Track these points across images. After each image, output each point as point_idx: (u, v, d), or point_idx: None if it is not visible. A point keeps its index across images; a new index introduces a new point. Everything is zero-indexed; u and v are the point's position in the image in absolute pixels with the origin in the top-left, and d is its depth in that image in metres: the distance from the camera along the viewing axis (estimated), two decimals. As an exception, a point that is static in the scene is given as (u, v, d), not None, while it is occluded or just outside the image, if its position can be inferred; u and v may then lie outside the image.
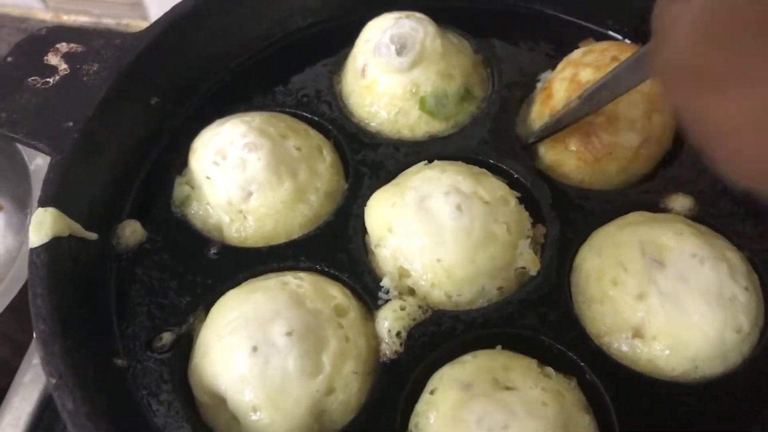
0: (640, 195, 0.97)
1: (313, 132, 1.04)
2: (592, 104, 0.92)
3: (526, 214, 0.93)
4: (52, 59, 0.98)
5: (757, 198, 0.89)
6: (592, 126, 0.96)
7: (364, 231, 0.95)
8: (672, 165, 1.00)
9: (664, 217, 0.93)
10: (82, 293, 0.87)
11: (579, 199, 0.96)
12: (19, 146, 1.29)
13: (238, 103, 1.08)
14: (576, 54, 1.04)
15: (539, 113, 1.03)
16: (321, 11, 1.17)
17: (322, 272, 0.92)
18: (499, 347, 0.85)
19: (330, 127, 1.05)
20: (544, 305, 0.88)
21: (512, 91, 1.07)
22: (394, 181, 0.97)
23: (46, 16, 1.79)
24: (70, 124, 0.92)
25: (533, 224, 0.94)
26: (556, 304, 0.88)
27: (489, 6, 1.17)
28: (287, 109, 1.07)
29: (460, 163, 0.97)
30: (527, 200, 0.95)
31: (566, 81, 1.00)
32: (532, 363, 0.84)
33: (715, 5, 0.51)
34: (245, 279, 0.91)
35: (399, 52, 1.01)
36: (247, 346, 0.81)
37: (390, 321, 0.87)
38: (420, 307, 0.88)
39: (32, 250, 0.83)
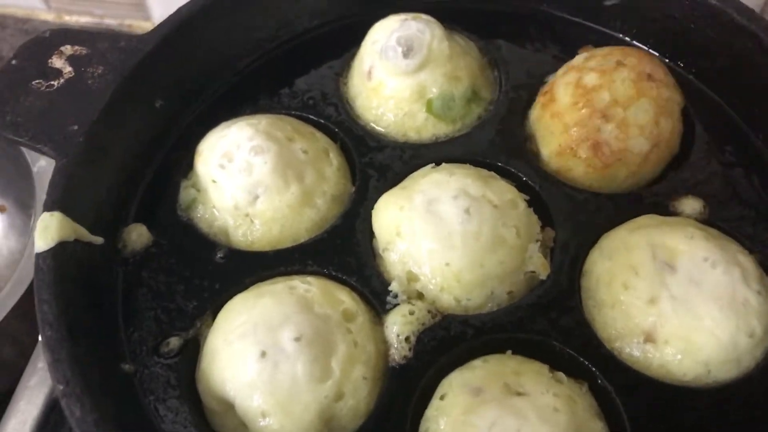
0: (650, 198, 0.97)
1: (319, 135, 1.03)
2: None
3: (535, 217, 0.93)
4: (57, 62, 0.98)
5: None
6: (601, 133, 0.96)
7: (372, 235, 0.95)
8: (681, 168, 0.99)
9: (675, 221, 0.92)
10: (88, 298, 0.86)
11: (589, 202, 0.96)
12: (23, 148, 1.28)
13: (244, 105, 1.08)
14: (578, 60, 1.03)
15: (539, 117, 1.02)
16: (327, 13, 1.16)
17: (329, 276, 0.91)
18: (509, 352, 0.85)
19: (336, 130, 1.04)
20: (555, 309, 0.88)
21: (520, 92, 1.07)
22: (401, 184, 0.96)
23: (49, 16, 1.78)
24: (75, 127, 0.91)
25: (542, 228, 0.93)
26: (567, 308, 0.88)
27: (496, 7, 1.17)
28: (293, 112, 1.07)
29: (468, 165, 0.97)
30: (536, 203, 0.94)
31: (571, 85, 0.99)
32: (543, 368, 0.83)
33: None
34: (252, 283, 0.90)
35: (406, 54, 1.00)
36: (256, 352, 0.80)
37: (399, 326, 0.86)
38: (429, 311, 0.88)
39: (38, 254, 0.82)
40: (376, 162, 1.01)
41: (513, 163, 1.00)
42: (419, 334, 0.86)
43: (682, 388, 0.83)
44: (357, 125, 1.05)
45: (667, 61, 1.09)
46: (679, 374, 0.83)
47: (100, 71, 0.97)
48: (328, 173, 0.99)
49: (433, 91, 1.03)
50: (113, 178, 0.96)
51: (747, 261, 0.87)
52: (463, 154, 1.01)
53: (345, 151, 1.04)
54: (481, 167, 0.97)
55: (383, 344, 0.86)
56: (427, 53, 1.02)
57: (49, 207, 0.86)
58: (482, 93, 1.07)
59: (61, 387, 0.75)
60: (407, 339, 0.86)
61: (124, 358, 0.87)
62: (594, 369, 0.83)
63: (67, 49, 0.99)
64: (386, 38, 1.03)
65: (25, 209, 1.39)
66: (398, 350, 0.85)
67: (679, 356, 0.83)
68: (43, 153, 0.92)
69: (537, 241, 0.91)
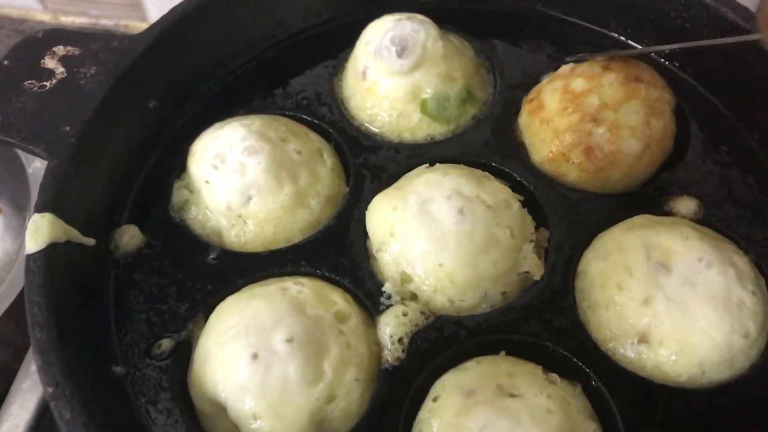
0: (645, 198, 0.96)
1: (313, 135, 1.03)
2: None
3: (529, 217, 0.92)
4: (49, 62, 0.97)
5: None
6: (593, 137, 0.95)
7: (366, 235, 0.94)
8: (677, 168, 0.99)
9: (670, 221, 0.92)
10: (79, 300, 0.86)
11: (583, 202, 0.95)
12: (17, 149, 1.28)
13: (238, 105, 1.07)
14: (564, 69, 1.03)
15: (527, 124, 1.02)
16: (321, 13, 1.16)
17: (322, 278, 0.91)
18: (502, 353, 0.84)
19: (330, 130, 1.04)
20: (549, 311, 0.87)
21: (514, 93, 1.06)
22: (395, 185, 0.95)
23: (45, 17, 1.78)
24: (67, 128, 0.91)
25: (536, 228, 0.93)
26: (561, 309, 0.87)
27: (490, 7, 1.16)
28: (287, 112, 1.06)
29: (462, 166, 0.96)
30: (530, 204, 0.94)
31: (558, 91, 0.99)
32: (536, 369, 0.83)
33: None
34: (245, 284, 0.90)
35: (400, 54, 1.00)
36: (248, 354, 0.79)
37: (392, 327, 0.86)
38: (422, 312, 0.87)
39: (29, 256, 0.82)
40: (371, 162, 1.01)
41: (507, 163, 0.99)
42: (412, 336, 0.86)
43: (677, 389, 0.82)
44: (351, 126, 1.05)
45: (662, 60, 1.08)
46: (673, 375, 0.83)
47: (92, 72, 0.97)
48: (322, 174, 0.99)
49: (428, 92, 1.03)
50: (105, 179, 0.96)
51: (742, 261, 0.87)
52: (458, 154, 1.00)
53: (339, 151, 1.03)
54: (476, 167, 0.97)
55: (376, 346, 0.86)
56: (421, 53, 1.01)
57: (40, 208, 0.85)
58: (477, 93, 1.07)
59: (50, 390, 0.74)
60: (400, 340, 0.85)
61: (115, 361, 0.86)
62: (588, 370, 0.83)
63: (60, 50, 0.98)
64: (380, 38, 1.02)
65: (19, 211, 1.39)
66: (391, 352, 0.85)
67: (673, 357, 0.83)
68: (35, 154, 0.91)
69: (531, 241, 0.90)
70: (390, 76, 1.02)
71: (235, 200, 0.94)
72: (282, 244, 0.94)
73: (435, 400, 0.81)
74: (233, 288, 0.89)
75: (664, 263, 0.86)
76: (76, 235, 0.87)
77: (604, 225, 0.93)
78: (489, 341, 0.85)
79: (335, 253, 0.93)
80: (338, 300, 0.87)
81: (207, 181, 0.95)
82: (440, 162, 0.97)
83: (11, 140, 0.92)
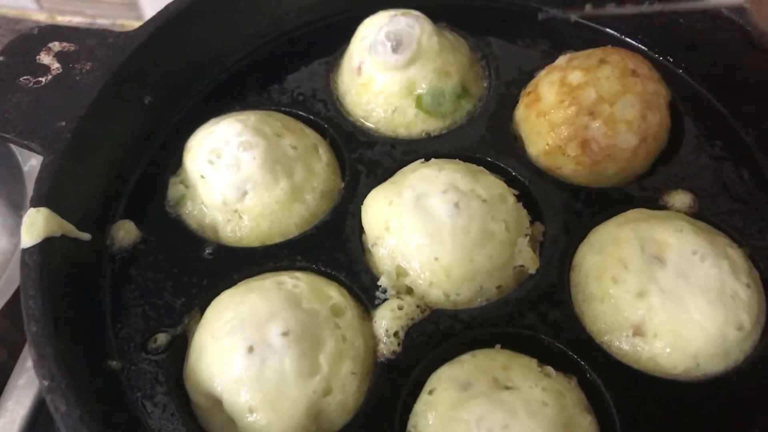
0: (639, 192, 0.97)
1: (308, 131, 1.03)
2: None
3: (525, 212, 0.93)
4: (45, 58, 0.97)
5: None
6: (589, 130, 0.96)
7: (361, 230, 0.94)
8: (671, 162, 0.99)
9: (664, 215, 0.92)
10: (75, 294, 0.86)
11: (578, 196, 0.96)
12: (13, 147, 1.28)
13: (234, 102, 1.07)
14: (560, 61, 1.03)
15: (524, 117, 1.02)
16: (317, 9, 1.16)
17: (318, 272, 0.91)
18: (498, 347, 0.85)
19: (326, 126, 1.04)
20: (544, 304, 0.87)
21: (509, 88, 1.07)
22: (390, 180, 0.96)
23: (41, 17, 1.78)
24: (63, 123, 0.91)
25: (532, 222, 0.93)
26: (556, 302, 0.88)
27: (486, 4, 1.17)
28: (283, 108, 1.06)
29: (457, 161, 0.96)
30: (526, 198, 0.94)
31: (556, 84, 0.99)
32: (531, 362, 0.83)
33: None
34: (241, 279, 0.90)
35: (395, 49, 1.00)
36: (243, 347, 0.80)
37: (387, 320, 0.86)
38: (418, 306, 0.87)
39: (24, 250, 0.82)
40: (366, 158, 1.01)
41: (503, 158, 0.99)
42: (408, 329, 0.86)
43: (672, 381, 0.83)
44: (347, 121, 1.05)
45: (656, 56, 1.09)
46: (668, 367, 0.83)
47: (88, 67, 0.97)
48: (318, 169, 0.99)
49: (423, 87, 1.03)
50: (101, 175, 0.96)
51: (736, 254, 0.87)
52: (453, 149, 1.01)
53: (334, 147, 1.04)
54: (471, 162, 0.97)
55: (372, 339, 0.86)
56: (416, 48, 1.01)
57: (35, 203, 0.85)
58: (472, 89, 1.07)
59: (46, 383, 0.74)
60: (396, 334, 0.85)
61: (111, 355, 0.86)
62: (583, 363, 0.83)
63: (55, 46, 0.98)
64: (375, 34, 1.03)
65: (16, 210, 1.38)
66: (387, 345, 0.85)
67: (668, 349, 0.83)
68: (31, 149, 0.91)
69: (526, 235, 0.90)
70: (385, 71, 1.02)
71: (230, 195, 0.94)
72: (277, 239, 0.94)
73: (431, 393, 0.81)
74: (229, 283, 0.89)
75: (659, 256, 0.86)
76: (71, 230, 0.87)
77: (599, 219, 0.94)
78: (484, 334, 0.86)
79: (331, 247, 0.93)
80: (334, 294, 0.87)
81: (202, 177, 0.95)
82: (436, 157, 0.97)
83: (6, 135, 0.92)
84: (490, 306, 0.88)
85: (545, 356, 0.84)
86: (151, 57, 1.00)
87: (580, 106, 0.96)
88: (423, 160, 0.97)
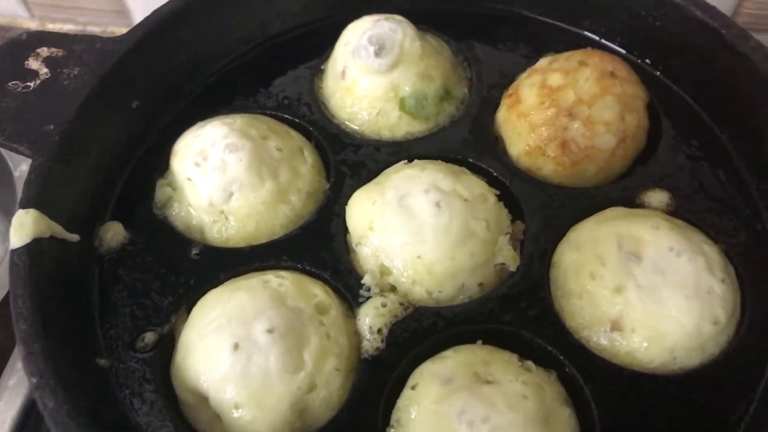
0: (617, 191, 0.98)
1: (294, 133, 1.05)
2: None
3: (505, 211, 0.94)
4: (33, 64, 0.99)
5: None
6: (568, 131, 0.98)
7: (346, 230, 0.96)
8: (649, 162, 1.01)
9: (642, 212, 0.94)
10: (64, 294, 0.87)
11: (557, 196, 0.97)
12: (4, 153, 1.29)
13: (220, 105, 1.09)
14: (541, 63, 1.05)
15: (506, 118, 1.04)
16: (302, 15, 1.18)
17: (303, 271, 0.93)
18: (479, 342, 0.86)
19: (311, 129, 1.06)
20: (524, 300, 0.89)
21: (491, 91, 1.09)
22: (374, 180, 0.98)
23: (32, 24, 1.79)
24: (51, 127, 0.93)
25: (512, 221, 0.95)
26: (536, 299, 0.89)
27: (468, 9, 1.19)
28: (269, 111, 1.08)
29: (439, 161, 0.98)
30: (507, 198, 0.96)
31: (536, 86, 1.01)
32: (512, 357, 0.84)
33: None
34: (227, 279, 0.91)
35: (377, 53, 1.02)
36: (229, 344, 0.81)
37: (371, 318, 0.88)
38: (401, 304, 0.89)
39: (13, 251, 0.83)
40: (350, 159, 1.03)
41: (484, 159, 1.01)
42: (391, 326, 0.87)
43: (649, 374, 0.84)
44: (331, 124, 1.07)
45: (635, 58, 1.11)
46: (645, 361, 0.85)
47: (76, 72, 0.98)
48: (303, 171, 1.00)
49: (406, 90, 1.05)
50: (90, 177, 0.97)
51: (712, 250, 0.89)
52: (436, 150, 1.02)
53: (320, 149, 1.05)
54: (454, 163, 0.99)
55: (356, 336, 0.88)
56: (399, 52, 1.03)
57: (24, 205, 0.87)
58: (454, 92, 1.09)
59: (34, 380, 0.75)
60: (379, 331, 0.87)
61: (99, 353, 0.88)
62: (562, 357, 0.85)
63: (44, 51, 1.00)
64: (358, 38, 1.05)
65: (6, 215, 1.39)
66: (370, 342, 0.87)
67: (645, 344, 0.85)
68: (20, 152, 0.93)
69: (507, 234, 0.92)
70: (368, 75, 1.04)
71: (216, 197, 0.95)
72: (263, 240, 0.96)
73: (414, 388, 0.82)
74: (215, 282, 0.91)
75: (636, 253, 0.88)
76: (59, 231, 0.88)
77: (578, 217, 0.95)
78: (466, 331, 0.87)
79: (316, 247, 0.94)
80: (318, 292, 0.89)
81: (189, 179, 0.97)
82: (419, 158, 0.99)
83: (-5, 139, 0.94)
84: (471, 303, 0.89)
85: (526, 351, 0.85)
86: (139, 62, 1.02)
87: (559, 108, 0.98)
88: (406, 161, 0.99)
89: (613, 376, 0.84)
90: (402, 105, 1.05)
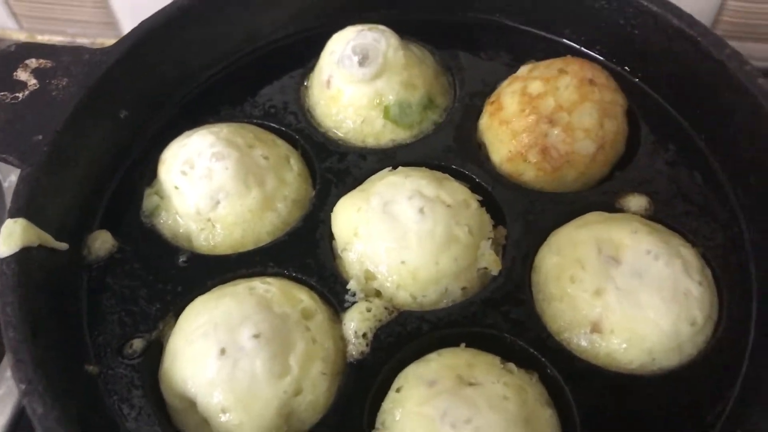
0: (597, 196, 1.00)
1: (280, 142, 1.06)
2: None
3: (488, 216, 0.96)
4: (22, 75, 1.00)
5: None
6: (549, 138, 1.00)
7: (331, 236, 0.97)
8: (628, 167, 1.03)
9: (621, 217, 0.96)
10: (53, 302, 0.88)
11: (538, 201, 0.99)
12: (-7, 164, 1.30)
13: (207, 115, 1.10)
14: (522, 71, 1.07)
15: (488, 125, 1.06)
16: (288, 25, 1.19)
17: (290, 277, 0.94)
18: (463, 345, 0.88)
19: (297, 137, 1.08)
20: (507, 304, 0.91)
21: (474, 99, 1.10)
22: (359, 187, 0.99)
23: (21, 36, 1.80)
24: (40, 137, 0.93)
25: (495, 226, 0.97)
26: (518, 302, 0.91)
27: (451, 18, 1.20)
28: (255, 120, 1.10)
29: (423, 168, 1.00)
30: (489, 203, 0.98)
31: (517, 94, 1.03)
32: (495, 360, 0.86)
33: None
34: (214, 285, 0.93)
35: (361, 63, 1.04)
36: (216, 350, 0.82)
37: (356, 322, 0.89)
38: (386, 308, 0.90)
39: (2, 260, 0.84)
40: (336, 167, 1.04)
41: (467, 165, 1.03)
42: (376, 331, 0.89)
43: (628, 375, 0.86)
44: (317, 132, 1.08)
45: (614, 66, 1.13)
46: (625, 362, 0.87)
47: (64, 83, 1.00)
48: (289, 178, 1.02)
49: (390, 99, 1.06)
50: (78, 186, 0.98)
51: (689, 253, 0.91)
52: (420, 158, 1.04)
53: (306, 157, 1.07)
54: (437, 170, 1.01)
55: (341, 341, 0.89)
56: (382, 62, 1.05)
57: (13, 214, 0.88)
58: (438, 100, 1.11)
59: (23, 386, 0.76)
60: (364, 335, 0.88)
61: (88, 360, 0.89)
62: (543, 359, 0.86)
63: (32, 62, 1.01)
64: (343, 48, 1.06)
65: (-4, 225, 1.40)
66: (356, 346, 0.88)
67: (624, 345, 0.86)
68: (8, 162, 0.94)
69: (489, 238, 0.94)
70: (353, 84, 1.06)
71: (203, 205, 0.97)
72: (250, 247, 0.97)
73: (398, 390, 0.84)
74: (203, 289, 0.92)
75: (615, 256, 0.90)
76: (48, 240, 0.90)
77: (559, 222, 0.97)
78: (450, 334, 0.89)
79: (302, 253, 0.96)
80: (304, 298, 0.90)
81: (176, 187, 0.98)
82: (403, 165, 1.01)
83: (-16, 150, 0.95)
84: (455, 307, 0.91)
85: (508, 354, 0.87)
86: (126, 72, 1.03)
87: (539, 115, 1.00)
88: (391, 168, 1.00)
89: (593, 377, 0.85)
90: (386, 113, 1.06)
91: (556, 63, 1.05)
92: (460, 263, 0.91)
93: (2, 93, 0.98)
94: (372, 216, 0.92)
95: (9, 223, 0.87)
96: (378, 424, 0.83)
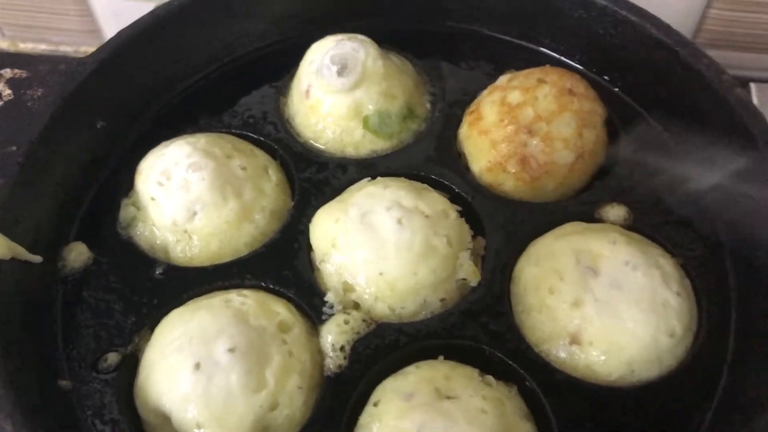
0: (576, 206, 1.00)
1: (258, 152, 1.06)
2: None
3: (467, 226, 0.96)
4: (-4, 85, 1.00)
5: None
6: (528, 148, 0.99)
7: (310, 248, 0.97)
8: (607, 177, 1.03)
9: (599, 227, 0.96)
10: (25, 316, 0.87)
11: (518, 211, 0.99)
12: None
13: (186, 125, 1.10)
14: (501, 80, 1.07)
15: (467, 135, 1.05)
16: (268, 35, 1.19)
17: (267, 289, 0.93)
18: (441, 358, 0.87)
19: (276, 147, 1.07)
20: (485, 315, 0.90)
21: (453, 108, 1.10)
22: (338, 198, 0.98)
23: (3, 44, 1.78)
24: (14, 148, 0.93)
25: (474, 237, 0.96)
26: (497, 314, 0.90)
27: (431, 28, 1.20)
28: (234, 130, 1.09)
29: (402, 179, 0.99)
30: (468, 214, 0.97)
31: (496, 104, 1.03)
32: (473, 372, 0.85)
33: None
34: (190, 298, 0.92)
35: (340, 72, 1.03)
36: (190, 364, 0.81)
37: (333, 335, 0.88)
38: (364, 320, 0.90)
39: (-28, 273, 0.83)
40: (315, 178, 1.04)
41: (447, 175, 1.02)
42: (354, 343, 0.88)
43: (608, 387, 0.85)
44: (296, 142, 1.08)
45: (593, 75, 1.13)
46: (604, 374, 0.86)
47: (39, 93, 0.99)
48: (267, 189, 1.01)
49: (370, 109, 1.06)
50: (53, 198, 0.98)
51: (668, 264, 0.91)
52: (399, 168, 1.03)
53: (284, 167, 1.06)
54: (417, 180, 1.00)
55: (319, 354, 0.88)
56: (361, 72, 1.05)
57: (-16, 226, 0.87)
58: (417, 110, 1.10)
59: (-8, 403, 0.75)
60: (342, 348, 0.88)
61: (62, 375, 0.88)
62: (522, 372, 0.86)
63: (7, 73, 1.01)
64: (321, 58, 1.06)
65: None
66: (333, 359, 0.87)
67: (603, 357, 0.86)
68: (-19, 174, 0.93)
69: (468, 249, 0.93)
70: (332, 94, 1.05)
71: (180, 216, 0.96)
72: (227, 258, 0.96)
73: (376, 404, 0.83)
74: (179, 302, 0.91)
75: (593, 267, 0.90)
76: (21, 252, 0.88)
77: (538, 232, 0.97)
78: (428, 346, 0.88)
79: (279, 265, 0.95)
80: (281, 310, 0.89)
81: (153, 198, 0.97)
82: (382, 176, 1.00)
83: (-42, 160, 0.94)
84: (433, 318, 0.90)
85: (487, 366, 0.86)
86: (103, 82, 1.03)
87: (518, 125, 1.00)
88: (370, 178, 1.00)
89: (572, 389, 0.85)
90: (366, 123, 1.06)
91: (535, 72, 1.05)
92: (439, 274, 0.90)
93: (-24, 104, 0.98)
94: (350, 227, 0.92)
95: (-20, 235, 0.86)
96: (355, 438, 0.82)
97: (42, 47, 1.77)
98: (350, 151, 1.07)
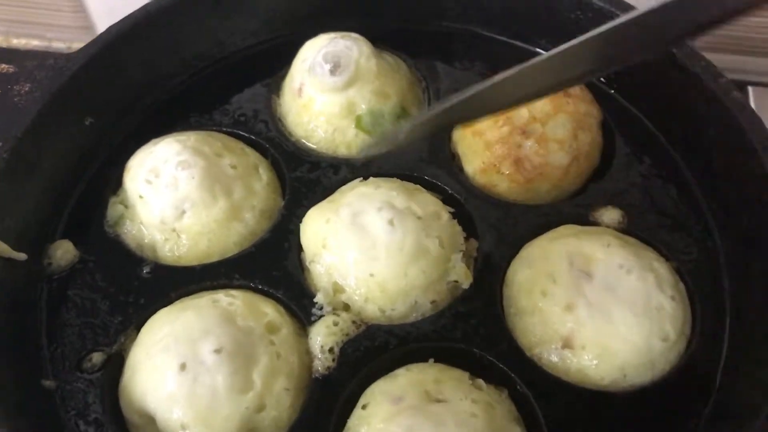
0: (570, 209, 0.99)
1: (249, 150, 1.04)
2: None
3: (459, 228, 0.94)
4: (-17, 80, 0.98)
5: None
6: (522, 149, 0.98)
7: (300, 248, 0.95)
8: (602, 179, 1.02)
9: (593, 230, 0.95)
10: (8, 314, 0.86)
11: (511, 213, 0.98)
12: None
13: (176, 122, 1.08)
14: None
15: (461, 136, 1.04)
16: (260, 32, 1.18)
17: (255, 290, 0.92)
18: (431, 360, 0.86)
19: (267, 146, 1.06)
20: (477, 318, 0.89)
21: (447, 109, 1.09)
22: (329, 198, 0.97)
23: (-4, 40, 1.77)
24: (0, 144, 0.91)
25: (466, 238, 0.95)
26: (489, 316, 0.89)
27: (425, 27, 1.19)
28: (224, 129, 1.08)
29: (394, 179, 0.98)
30: (461, 215, 0.96)
31: None
32: (463, 375, 0.84)
33: None
34: (177, 298, 0.90)
35: (333, 71, 1.02)
36: (176, 364, 0.80)
37: (323, 337, 0.87)
38: (354, 322, 0.89)
39: (-46, 270, 0.82)
40: (306, 177, 1.02)
41: (440, 176, 1.01)
42: (343, 345, 0.87)
43: (600, 392, 0.84)
44: (288, 141, 1.06)
45: (589, 77, 1.12)
46: (596, 379, 0.85)
47: (26, 89, 0.98)
48: (257, 188, 1.00)
49: (362, 108, 1.05)
50: (40, 195, 0.96)
51: (662, 267, 0.90)
52: (392, 168, 1.02)
53: (275, 166, 1.05)
54: (409, 181, 0.99)
55: (307, 355, 0.87)
56: (354, 70, 1.03)
57: (-32, 223, 0.86)
58: (411, 109, 1.09)
59: (-29, 403, 0.74)
60: (331, 350, 0.87)
61: (46, 374, 0.86)
62: (513, 375, 0.84)
63: (-6, 67, 0.99)
64: (314, 56, 1.05)
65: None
66: (322, 361, 0.86)
67: (595, 361, 0.85)
68: (-33, 170, 0.92)
69: (460, 251, 0.92)
70: (324, 92, 1.04)
71: (168, 214, 0.94)
72: (216, 258, 0.95)
73: (364, 407, 0.82)
74: (166, 301, 0.90)
75: (587, 270, 0.88)
76: (5, 249, 0.87)
77: (531, 235, 0.96)
78: (419, 349, 0.87)
79: (269, 265, 0.94)
80: (269, 311, 0.88)
81: (141, 196, 0.96)
82: (375, 176, 0.99)
83: (-57, 157, 0.92)
84: (424, 321, 0.89)
85: (477, 369, 0.85)
86: (92, 78, 1.01)
87: (513, 126, 0.99)
88: (362, 178, 0.98)
89: (564, 393, 0.84)
90: (358, 122, 1.05)
91: (529, 73, 1.04)
92: (430, 276, 0.89)
93: (-38, 99, 0.96)
94: (341, 227, 0.90)
95: (-37, 232, 0.84)
96: (343, 442, 0.81)
97: (35, 43, 1.76)
98: (342, 151, 1.06)
